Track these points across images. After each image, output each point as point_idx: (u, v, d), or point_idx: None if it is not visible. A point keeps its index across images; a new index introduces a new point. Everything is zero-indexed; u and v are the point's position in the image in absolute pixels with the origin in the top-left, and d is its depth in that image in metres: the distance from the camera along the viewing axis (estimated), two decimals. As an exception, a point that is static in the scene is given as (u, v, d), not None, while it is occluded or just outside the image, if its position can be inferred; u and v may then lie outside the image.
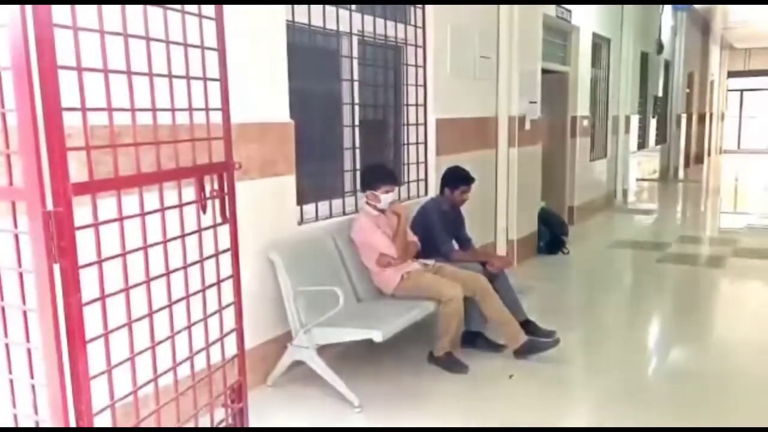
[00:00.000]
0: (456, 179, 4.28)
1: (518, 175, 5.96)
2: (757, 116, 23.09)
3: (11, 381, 2.13)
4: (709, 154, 19.39)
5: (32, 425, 2.11)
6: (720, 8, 13.58)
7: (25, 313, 2.02)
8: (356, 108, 4.27)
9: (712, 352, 4.26)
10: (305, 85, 3.84)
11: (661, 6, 11.90)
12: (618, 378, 3.74)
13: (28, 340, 2.03)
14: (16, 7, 1.70)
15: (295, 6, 3.66)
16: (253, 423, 2.84)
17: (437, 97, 4.93)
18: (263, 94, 3.43)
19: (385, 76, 4.66)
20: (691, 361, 4.12)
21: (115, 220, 2.06)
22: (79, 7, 1.88)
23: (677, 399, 3.42)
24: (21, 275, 2.01)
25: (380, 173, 3.85)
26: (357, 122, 4.26)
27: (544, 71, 6.68)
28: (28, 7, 1.71)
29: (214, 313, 2.51)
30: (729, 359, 4.04)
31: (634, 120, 10.79)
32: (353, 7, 4.16)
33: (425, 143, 4.94)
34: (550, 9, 6.88)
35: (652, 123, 12.77)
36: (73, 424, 1.90)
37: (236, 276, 2.61)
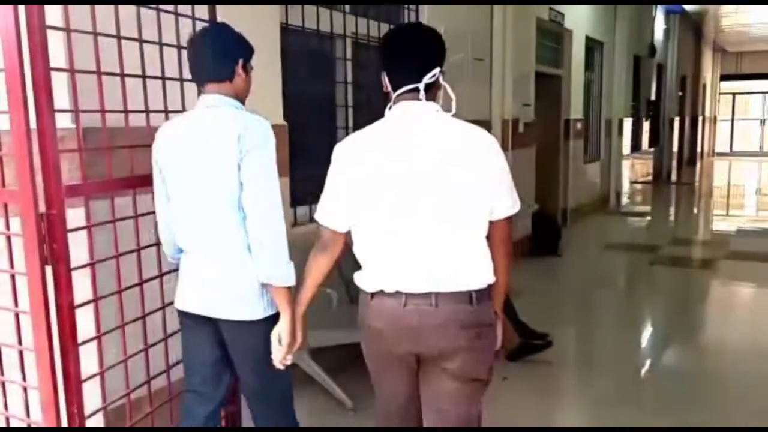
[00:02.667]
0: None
1: (512, 177, 5.96)
2: (749, 119, 23.22)
3: (3, 383, 2.12)
4: (701, 157, 19.48)
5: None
6: (712, 12, 13.66)
7: (17, 316, 2.02)
8: (350, 110, 4.27)
9: (704, 353, 4.28)
10: (299, 88, 3.84)
11: (653, 9, 11.96)
12: (611, 379, 3.75)
13: (20, 343, 2.02)
14: (8, 9, 1.69)
15: (289, 8, 3.66)
16: (246, 426, 2.84)
17: (431, 99, 4.93)
18: (257, 96, 3.41)
19: (379, 78, 4.66)
20: (683, 362, 4.14)
21: (108, 222, 2.06)
22: (71, 9, 1.88)
23: (670, 400, 3.43)
24: (13, 277, 2.01)
25: None
26: (351, 124, 4.26)
27: (538, 74, 6.70)
28: (21, 10, 1.71)
29: (208, 315, 2.51)
30: (721, 360, 4.07)
31: (627, 123, 10.83)
32: (347, 9, 4.17)
33: (419, 146, 4.94)
34: (544, 12, 6.91)
35: (645, 126, 12.82)
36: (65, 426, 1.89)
37: (230, 278, 2.61)
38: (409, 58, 1.82)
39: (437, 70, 1.82)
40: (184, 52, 2.30)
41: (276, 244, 1.87)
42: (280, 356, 1.92)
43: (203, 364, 2.04)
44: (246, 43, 2.01)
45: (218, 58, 1.94)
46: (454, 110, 1.81)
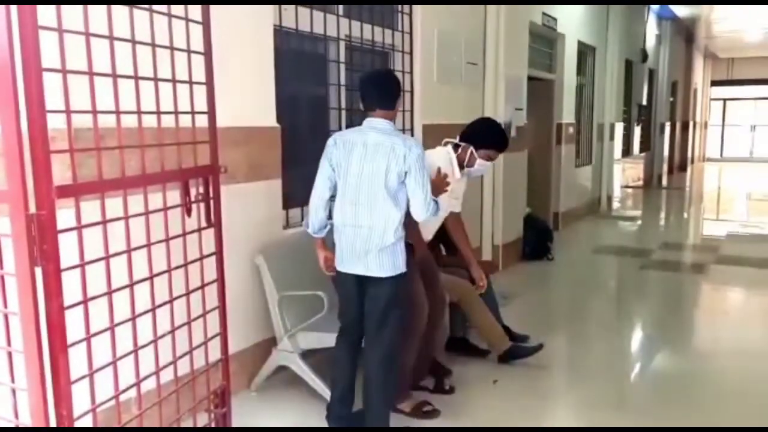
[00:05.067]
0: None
1: (504, 181, 5.99)
2: (739, 125, 23.38)
3: (-9, 385, 2.11)
4: (692, 162, 19.61)
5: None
6: (704, 18, 13.76)
7: (6, 317, 2.00)
8: (343, 113, 4.28)
9: (695, 356, 4.31)
10: (292, 90, 3.84)
11: (645, 15, 12.04)
12: (601, 383, 3.77)
13: (9, 344, 2.01)
14: (0, 7, 1.68)
15: (283, 11, 3.66)
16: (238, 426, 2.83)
17: (424, 103, 4.95)
18: (250, 98, 3.42)
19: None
20: (675, 365, 4.16)
21: (98, 223, 2.05)
22: (64, 9, 1.87)
23: (662, 403, 3.45)
24: (2, 278, 1.99)
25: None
26: (344, 126, 4.27)
27: (530, 78, 6.73)
28: (13, 9, 1.70)
29: (199, 317, 2.50)
30: (711, 363, 4.10)
31: (619, 127, 10.88)
32: (341, 12, 4.18)
33: (412, 149, 4.95)
34: (536, 16, 6.94)
35: (637, 131, 12.89)
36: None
37: (221, 280, 2.61)
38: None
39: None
40: (177, 54, 2.31)
41: (420, 213, 2.77)
42: None
43: (353, 309, 2.87)
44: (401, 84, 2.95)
45: (392, 93, 2.83)
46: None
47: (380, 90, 2.82)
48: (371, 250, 2.74)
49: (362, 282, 2.81)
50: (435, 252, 4.12)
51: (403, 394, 3.20)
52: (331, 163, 2.82)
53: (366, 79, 2.93)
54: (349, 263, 2.82)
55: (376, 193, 2.71)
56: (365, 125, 2.82)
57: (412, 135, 4.95)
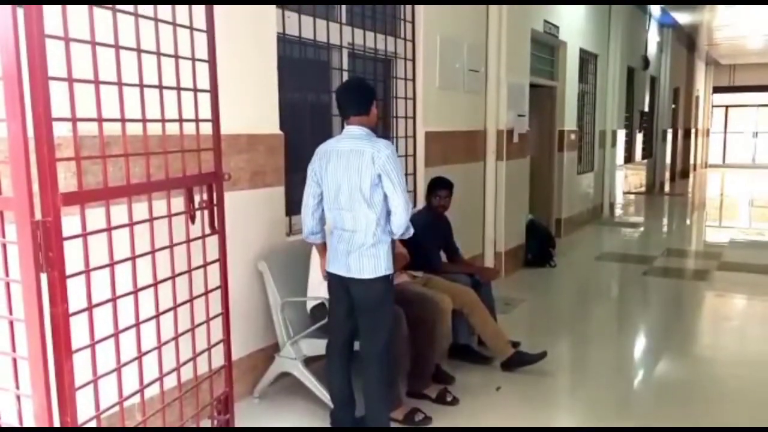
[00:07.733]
0: (431, 186, 4.28)
1: (506, 187, 6.00)
2: (742, 131, 23.38)
3: (-4, 391, 2.11)
4: (694, 169, 19.61)
5: None
6: (705, 25, 13.78)
7: (11, 323, 2.01)
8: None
9: (698, 363, 4.30)
10: (295, 97, 3.86)
11: (647, 22, 12.08)
12: (604, 390, 3.76)
13: (14, 350, 2.02)
14: (8, 18, 1.70)
15: (286, 18, 3.68)
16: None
17: (426, 110, 4.97)
18: (253, 106, 3.44)
19: (374, 88, 4.68)
20: (677, 372, 4.15)
21: (103, 230, 2.06)
22: (70, 18, 1.89)
23: (663, 410, 3.44)
24: (8, 285, 2.00)
25: None
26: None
27: (532, 85, 6.74)
28: (20, 18, 1.72)
29: (202, 323, 2.51)
30: (714, 370, 4.08)
31: (621, 134, 10.90)
32: (343, 19, 4.20)
33: (414, 155, 4.97)
34: (538, 24, 6.97)
35: (639, 137, 12.90)
36: (58, 434, 1.88)
37: (224, 287, 2.61)
38: None
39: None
40: (182, 62, 2.32)
41: (401, 219, 2.80)
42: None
43: (339, 309, 2.95)
44: (374, 90, 3.04)
45: (362, 99, 2.87)
46: None
47: (350, 97, 2.89)
48: (352, 251, 2.81)
49: (346, 284, 2.86)
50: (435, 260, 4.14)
51: (395, 402, 3.19)
52: (315, 175, 2.92)
53: (339, 90, 2.98)
54: (333, 264, 2.89)
55: (354, 199, 2.78)
56: (342, 134, 2.91)
57: (414, 142, 4.97)
